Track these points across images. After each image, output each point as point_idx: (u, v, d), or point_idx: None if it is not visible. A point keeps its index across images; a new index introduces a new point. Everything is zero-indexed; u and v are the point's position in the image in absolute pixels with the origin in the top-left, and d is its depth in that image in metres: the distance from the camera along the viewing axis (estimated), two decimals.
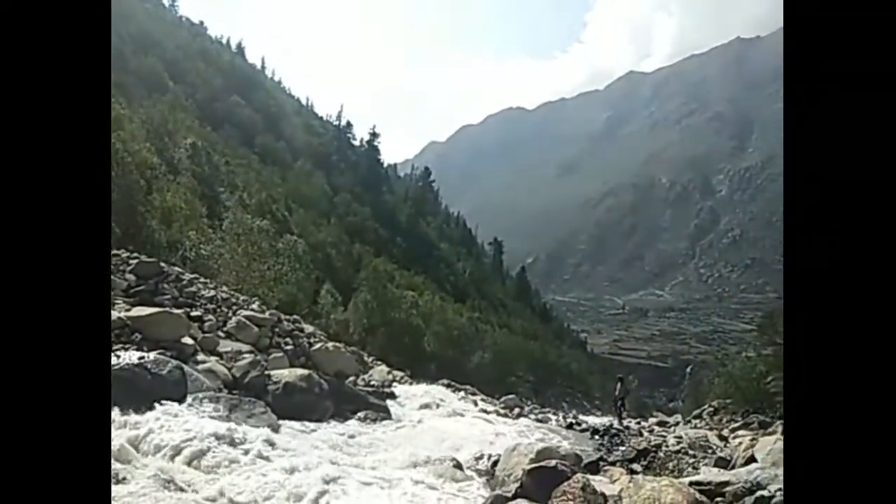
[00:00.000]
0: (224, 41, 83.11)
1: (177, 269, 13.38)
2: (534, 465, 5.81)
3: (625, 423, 16.70)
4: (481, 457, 8.20)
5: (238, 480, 5.45)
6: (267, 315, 12.88)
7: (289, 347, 12.23)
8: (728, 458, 8.32)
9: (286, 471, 5.86)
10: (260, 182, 38.78)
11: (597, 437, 13.19)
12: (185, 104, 44.89)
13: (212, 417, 7.01)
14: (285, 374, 9.61)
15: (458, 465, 7.47)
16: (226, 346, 10.50)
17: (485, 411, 15.11)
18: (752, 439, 8.47)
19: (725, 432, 11.79)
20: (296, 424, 8.40)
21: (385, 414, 10.66)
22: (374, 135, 68.58)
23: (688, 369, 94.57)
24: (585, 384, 51.52)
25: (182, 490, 5.04)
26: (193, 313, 11.07)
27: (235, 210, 25.23)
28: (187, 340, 9.58)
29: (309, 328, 15.42)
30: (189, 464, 5.72)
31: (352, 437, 8.56)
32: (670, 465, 9.03)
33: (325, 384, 9.89)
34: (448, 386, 18.57)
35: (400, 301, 29.46)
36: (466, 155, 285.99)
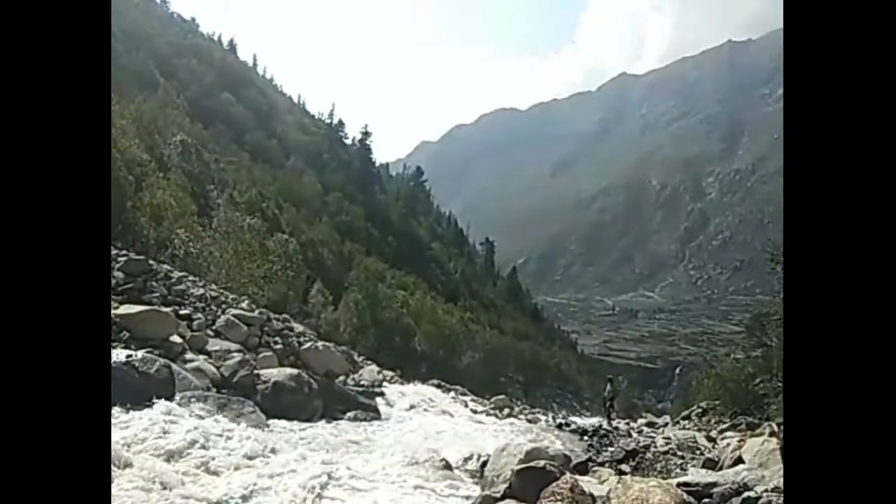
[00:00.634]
0: (216, 38, 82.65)
1: (166, 266, 13.29)
2: (523, 466, 5.81)
3: (614, 423, 16.78)
4: (470, 457, 8.19)
5: (225, 480, 5.42)
6: (256, 314, 12.82)
7: (278, 346, 12.18)
8: (716, 459, 8.37)
9: (274, 470, 5.83)
10: (251, 180, 38.57)
11: (586, 437, 13.24)
12: (176, 101, 44.60)
13: (200, 417, 6.96)
14: (274, 374, 9.57)
15: (448, 466, 7.46)
16: (214, 344, 10.43)
17: (475, 411, 15.14)
18: (740, 440, 8.52)
19: (714, 433, 11.86)
20: (285, 424, 8.37)
21: (375, 414, 10.64)
22: (366, 133, 68.39)
23: (677, 370, 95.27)
24: (575, 385, 51.72)
25: (168, 489, 5.00)
26: (182, 311, 10.99)
27: (226, 208, 25.09)
28: (175, 339, 9.51)
29: (299, 327, 15.36)
30: (176, 463, 5.68)
31: (341, 436, 8.54)
32: (659, 465, 9.08)
33: (315, 384, 9.86)
34: (438, 386, 18.58)
35: (391, 301, 29.44)
36: (459, 155, 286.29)
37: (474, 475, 7.43)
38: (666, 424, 17.75)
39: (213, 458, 5.86)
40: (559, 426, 15.42)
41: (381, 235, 53.91)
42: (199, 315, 11.33)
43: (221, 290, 14.17)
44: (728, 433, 11.06)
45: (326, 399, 9.94)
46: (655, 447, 10.24)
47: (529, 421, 16.09)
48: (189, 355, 9.40)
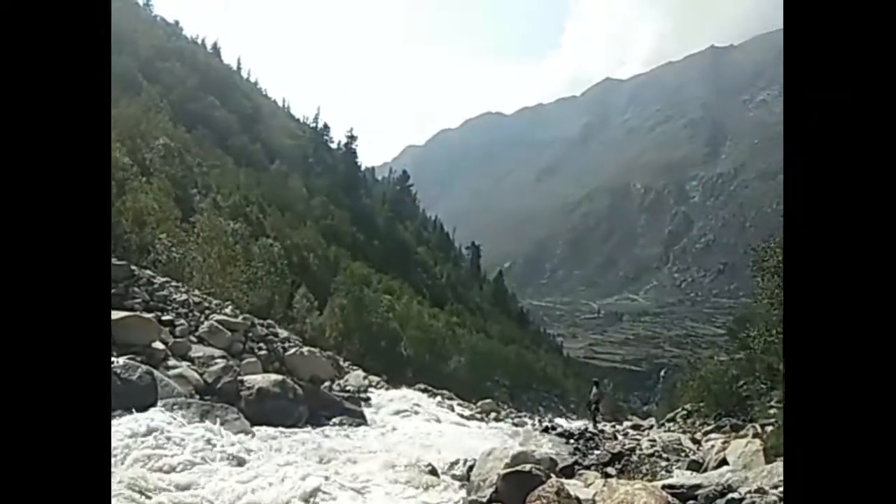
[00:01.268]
0: (200, 41, 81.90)
1: (148, 272, 13.14)
2: (509, 470, 5.81)
3: (600, 426, 16.82)
4: (457, 462, 8.17)
5: (208, 487, 5.35)
6: (240, 319, 12.71)
7: (262, 352, 12.09)
8: (701, 460, 8.44)
9: (257, 477, 5.77)
10: (235, 184, 38.26)
11: (572, 440, 13.26)
12: (159, 104, 44.17)
13: (182, 424, 6.87)
14: (259, 380, 9.48)
15: (434, 471, 7.44)
16: (198, 350, 10.33)
17: (461, 416, 15.11)
18: (724, 442, 8.60)
19: (698, 435, 11.95)
20: (269, 430, 8.29)
21: (361, 419, 10.58)
22: (351, 137, 68.17)
23: (661, 373, 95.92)
24: (561, 388, 51.83)
25: (148, 496, 4.93)
26: (164, 317, 10.88)
27: (209, 212, 24.88)
28: (158, 345, 9.40)
29: (283, 333, 15.25)
30: (158, 470, 5.60)
31: (326, 442, 8.47)
32: (644, 468, 9.13)
33: (300, 389, 9.78)
34: (425, 391, 18.52)
35: (377, 305, 29.31)
36: (444, 159, 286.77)
37: (461, 480, 7.41)
38: (651, 427, 17.84)
39: (195, 466, 5.78)
40: (545, 430, 15.43)
41: (367, 240, 53.73)
42: (182, 321, 11.21)
43: (205, 296, 14.03)
44: (712, 435, 11.15)
45: (312, 405, 9.86)
46: (641, 450, 10.30)
47: (516, 425, 16.08)
48: (172, 362, 9.29)
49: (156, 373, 7.98)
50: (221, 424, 7.26)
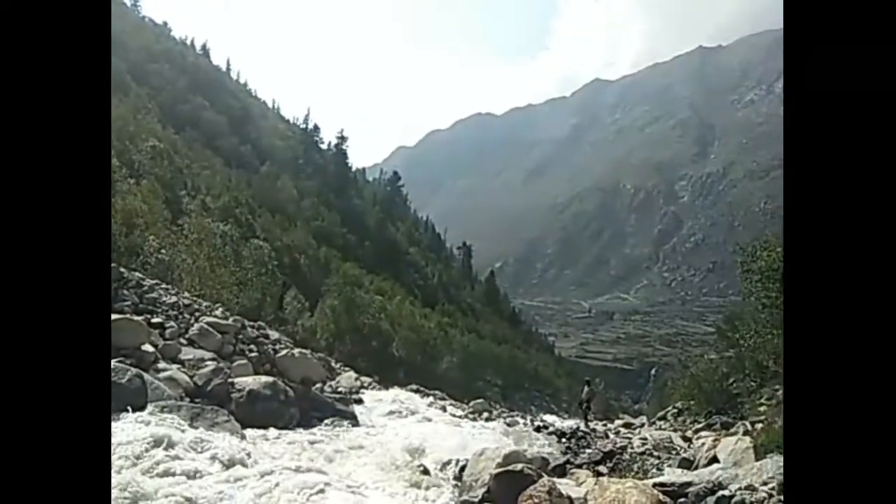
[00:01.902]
0: (189, 42, 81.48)
1: (137, 274, 13.04)
2: (500, 470, 5.82)
3: (591, 425, 16.86)
4: (449, 462, 8.17)
5: (198, 490, 5.32)
6: (230, 321, 12.64)
7: (253, 354, 12.03)
8: (691, 458, 8.48)
9: (248, 479, 5.74)
10: (224, 186, 38.08)
11: (564, 440, 13.28)
12: (148, 106, 43.88)
13: (173, 427, 6.82)
14: (249, 382, 9.43)
15: (426, 471, 7.44)
16: (188, 353, 10.26)
17: (453, 416, 15.09)
18: (715, 440, 8.65)
19: (689, 433, 12.01)
20: (260, 432, 8.26)
21: (353, 420, 10.55)
22: (342, 138, 68.05)
23: (652, 371, 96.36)
24: (553, 387, 51.94)
25: (138, 500, 4.89)
26: (154, 320, 10.80)
27: (198, 214, 24.73)
28: (147, 348, 9.33)
29: (274, 334, 15.18)
30: (147, 473, 5.56)
31: (317, 444, 8.44)
32: (636, 466, 9.16)
33: (291, 391, 9.74)
34: (417, 391, 18.52)
35: (368, 306, 29.26)
36: (435, 160, 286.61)
37: (453, 480, 7.41)
38: (643, 425, 17.91)
39: (185, 469, 5.74)
40: (537, 429, 15.44)
41: (358, 241, 53.60)
42: (172, 323, 11.14)
43: (194, 298, 13.94)
44: (703, 433, 11.22)
45: (303, 407, 9.82)
46: (632, 448, 10.33)
47: (508, 424, 16.09)
48: (162, 364, 9.22)
49: (145, 376, 7.92)
50: (212, 427, 7.23)
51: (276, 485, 5.77)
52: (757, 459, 6.58)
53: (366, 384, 17.37)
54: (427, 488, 6.80)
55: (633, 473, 8.69)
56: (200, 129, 51.62)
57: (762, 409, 11.56)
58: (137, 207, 18.93)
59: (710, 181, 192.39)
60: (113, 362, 7.65)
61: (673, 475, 7.14)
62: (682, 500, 5.37)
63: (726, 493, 5.27)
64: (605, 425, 18.40)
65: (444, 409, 16.19)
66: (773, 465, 5.64)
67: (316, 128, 73.25)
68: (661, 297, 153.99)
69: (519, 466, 5.77)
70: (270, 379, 9.84)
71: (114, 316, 9.32)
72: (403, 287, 46.78)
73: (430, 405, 16.11)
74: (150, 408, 7.22)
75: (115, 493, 4.84)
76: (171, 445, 6.10)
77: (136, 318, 9.80)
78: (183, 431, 6.68)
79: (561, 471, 8.72)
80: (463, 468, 7.46)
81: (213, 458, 6.20)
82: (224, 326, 12.01)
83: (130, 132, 31.04)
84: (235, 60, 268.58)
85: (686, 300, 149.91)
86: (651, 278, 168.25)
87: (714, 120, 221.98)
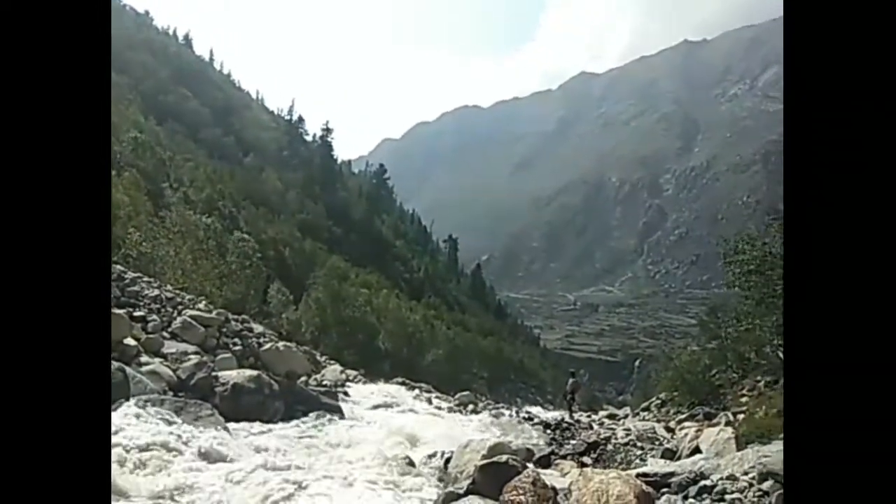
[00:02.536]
0: (171, 32, 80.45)
1: (119, 267, 12.88)
2: (486, 462, 5.84)
3: (576, 416, 16.99)
4: (434, 454, 8.18)
5: (180, 485, 5.27)
6: (214, 314, 12.54)
7: (237, 348, 11.95)
8: (674, 449, 8.58)
9: (233, 473, 5.71)
10: (207, 178, 37.66)
11: (549, 431, 13.36)
12: (129, 97, 43.24)
13: (155, 421, 6.75)
14: (233, 375, 9.37)
15: (412, 464, 7.44)
16: (171, 346, 10.18)
17: (439, 408, 15.12)
18: (698, 430, 8.74)
19: (672, 424, 12.13)
20: (245, 426, 8.21)
21: (338, 413, 10.52)
22: (327, 130, 67.49)
23: (636, 363, 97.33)
24: (539, 379, 52.25)
25: (121, 496, 4.84)
26: (136, 313, 10.69)
27: (180, 206, 24.46)
28: (130, 341, 9.23)
29: (258, 328, 15.09)
30: (131, 469, 5.50)
31: (302, 437, 8.42)
32: (619, 457, 9.25)
33: (276, 385, 9.69)
34: (403, 384, 18.50)
35: (353, 299, 29.15)
36: (421, 152, 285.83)
37: (438, 472, 7.42)
38: (626, 416, 18.07)
39: (167, 463, 5.70)
40: (522, 420, 15.53)
41: (344, 233, 53.40)
42: (154, 317, 11.03)
43: (177, 291, 13.81)
44: (686, 424, 11.33)
45: (288, 400, 9.77)
46: (616, 439, 10.42)
47: (494, 416, 16.15)
48: (144, 358, 9.14)
49: (128, 369, 7.84)
50: (195, 421, 7.17)
51: (263, 481, 5.74)
52: (738, 450, 6.67)
53: (351, 377, 17.32)
54: (412, 480, 6.80)
55: (616, 464, 8.77)
56: (183, 120, 51.03)
57: (744, 399, 11.71)
58: (119, 199, 18.65)
59: (693, 175, 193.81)
60: None
61: (656, 465, 7.21)
62: (664, 489, 5.43)
63: (708, 482, 5.34)
64: (589, 416, 18.54)
65: (429, 401, 16.21)
66: (754, 455, 5.71)
67: (301, 119, 72.79)
68: (645, 290, 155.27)
69: (504, 458, 5.79)
70: (255, 372, 9.78)
71: None
72: (389, 280, 46.68)
73: (415, 398, 16.12)
74: (132, 401, 7.14)
75: None
76: (153, 440, 6.04)
77: (117, 311, 9.68)
78: (167, 425, 6.62)
79: (545, 462, 8.79)
80: (448, 460, 7.47)
81: (197, 452, 6.16)
82: (207, 320, 11.91)
83: (112, 123, 30.56)
84: (219, 51, 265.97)
85: (670, 292, 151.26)
86: (635, 271, 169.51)
87: (698, 114, 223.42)
